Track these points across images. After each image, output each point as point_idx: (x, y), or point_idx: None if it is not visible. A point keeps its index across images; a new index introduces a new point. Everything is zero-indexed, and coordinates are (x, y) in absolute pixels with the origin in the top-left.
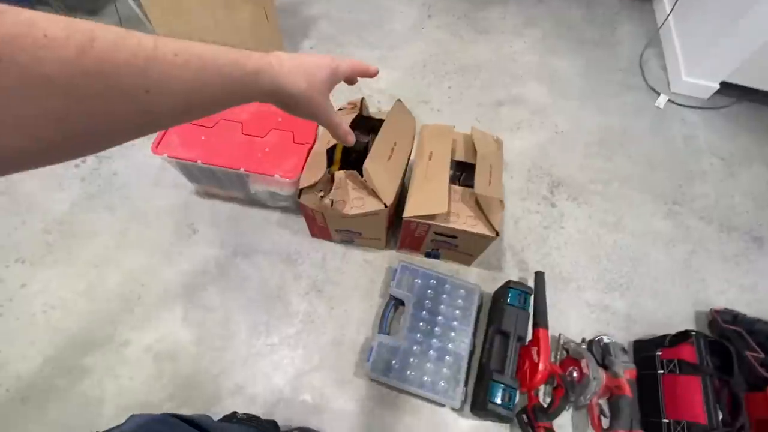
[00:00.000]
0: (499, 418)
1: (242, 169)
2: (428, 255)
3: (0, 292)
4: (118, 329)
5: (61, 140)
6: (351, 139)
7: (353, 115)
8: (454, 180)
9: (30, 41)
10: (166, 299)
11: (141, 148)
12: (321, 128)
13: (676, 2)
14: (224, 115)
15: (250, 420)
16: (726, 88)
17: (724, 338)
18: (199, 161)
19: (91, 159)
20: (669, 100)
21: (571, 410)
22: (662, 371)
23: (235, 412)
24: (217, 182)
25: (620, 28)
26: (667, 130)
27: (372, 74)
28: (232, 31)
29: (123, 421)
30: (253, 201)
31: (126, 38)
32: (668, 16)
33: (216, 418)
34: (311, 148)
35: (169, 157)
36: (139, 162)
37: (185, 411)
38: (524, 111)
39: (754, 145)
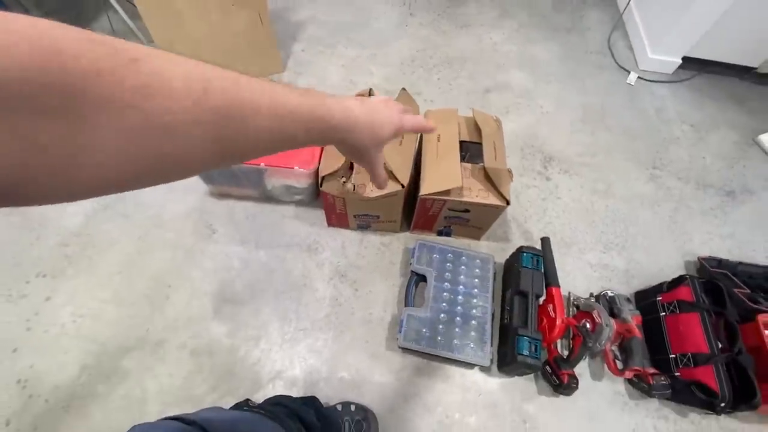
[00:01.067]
0: (528, 368)
1: (262, 164)
2: (440, 233)
3: (25, 308)
4: (151, 330)
5: (146, 175)
6: (386, 185)
7: None
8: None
9: (160, 92)
10: (195, 297)
11: None
12: None
13: None
14: None
15: (262, 407)
16: (688, 62)
17: (714, 280)
18: None
19: None
20: (638, 77)
21: (587, 359)
22: (664, 313)
23: (247, 400)
24: (234, 181)
25: (587, 15)
26: (640, 103)
27: (429, 131)
28: (227, 35)
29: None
30: (267, 198)
31: (240, 83)
32: (629, 1)
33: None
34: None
35: None
36: None
37: (229, 400)
38: (511, 96)
39: (718, 111)
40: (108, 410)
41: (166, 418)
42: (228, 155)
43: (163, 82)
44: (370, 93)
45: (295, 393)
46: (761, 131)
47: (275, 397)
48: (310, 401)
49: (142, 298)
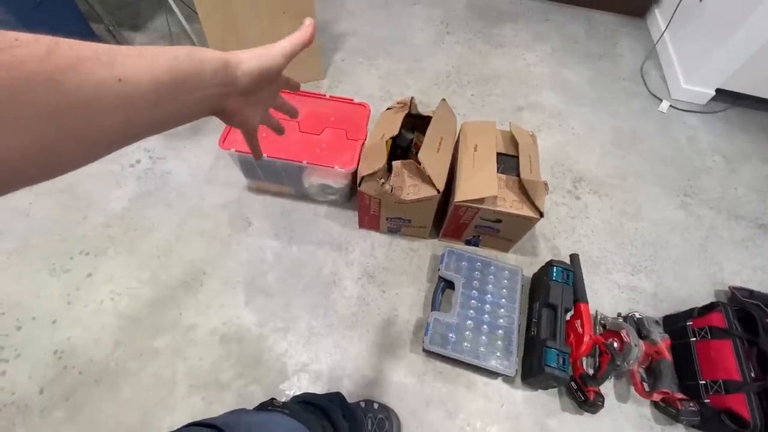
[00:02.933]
0: (555, 380)
1: (305, 162)
2: (468, 242)
3: (67, 282)
4: (184, 314)
5: (61, 139)
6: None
7: (403, 113)
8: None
9: (5, 43)
10: (228, 286)
11: (192, 149)
12: (371, 126)
13: (670, 21)
14: (282, 115)
15: (286, 406)
16: (721, 94)
17: (746, 308)
18: (265, 155)
19: (145, 160)
20: (670, 106)
21: (612, 380)
22: (695, 338)
23: (272, 399)
24: (275, 176)
25: (620, 43)
26: (671, 131)
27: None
28: (276, 41)
29: (193, 399)
30: (302, 196)
31: (82, 42)
32: (663, 32)
33: (285, 392)
34: (363, 143)
35: (236, 151)
36: (191, 163)
37: (255, 388)
38: (543, 115)
39: (750, 144)
40: (137, 387)
41: (189, 425)
42: (117, 104)
43: (10, 36)
44: (412, 100)
45: (320, 387)
46: None
47: (302, 395)
48: (336, 397)
49: (178, 282)
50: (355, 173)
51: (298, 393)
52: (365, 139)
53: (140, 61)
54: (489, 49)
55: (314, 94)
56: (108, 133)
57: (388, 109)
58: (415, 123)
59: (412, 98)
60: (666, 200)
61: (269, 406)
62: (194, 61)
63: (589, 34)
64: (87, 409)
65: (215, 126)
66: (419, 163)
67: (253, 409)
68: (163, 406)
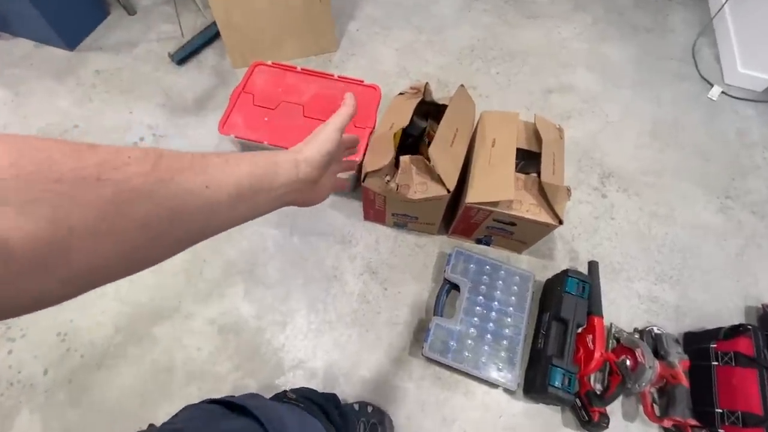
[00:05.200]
0: (559, 401)
1: None
2: (479, 241)
3: None
4: (183, 302)
5: (145, 244)
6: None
7: (416, 100)
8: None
9: (118, 162)
10: (228, 275)
11: (196, 127)
12: (384, 108)
13: None
14: (286, 97)
15: (298, 400)
16: None
17: None
18: (266, 142)
19: (148, 137)
20: (722, 92)
21: (621, 397)
22: (717, 363)
23: (285, 392)
24: None
25: (673, 15)
26: (720, 122)
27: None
28: (285, 9)
29: (190, 389)
30: None
31: (183, 153)
32: (724, 4)
33: (279, 388)
34: (371, 132)
35: (236, 137)
36: (195, 142)
37: (251, 382)
38: (574, 99)
39: None
40: (137, 372)
41: (213, 401)
42: (203, 208)
43: (123, 155)
44: (426, 86)
45: (315, 385)
46: None
47: (302, 389)
48: (331, 398)
49: (179, 269)
50: (360, 164)
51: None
52: (374, 128)
53: (226, 168)
54: (520, 20)
55: (321, 73)
56: (187, 235)
57: (401, 94)
58: (430, 110)
59: (427, 84)
60: (704, 202)
61: (284, 398)
62: (270, 164)
63: (637, 3)
64: (89, 392)
65: (220, 102)
66: (429, 159)
67: (270, 398)
68: (161, 393)
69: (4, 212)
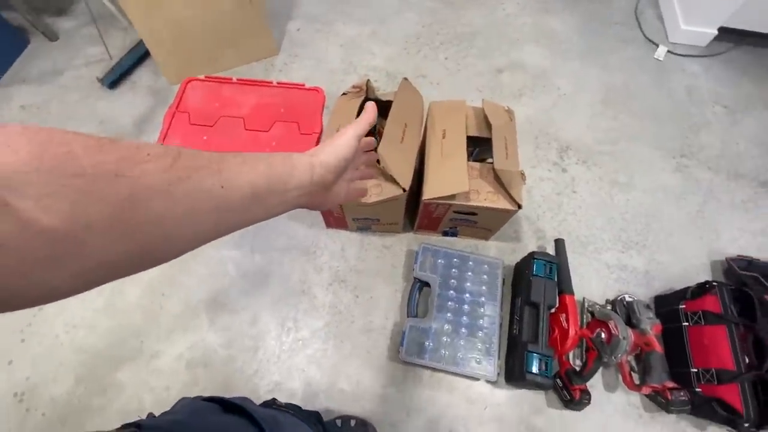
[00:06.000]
0: (538, 387)
1: None
2: (445, 234)
3: (18, 319)
4: (146, 342)
5: (158, 241)
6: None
7: (359, 100)
8: (467, 156)
9: (138, 158)
10: (190, 306)
11: None
12: (327, 116)
13: None
14: (225, 111)
15: (288, 407)
16: (724, 33)
17: (742, 284)
18: None
19: None
20: (668, 51)
21: (600, 369)
22: (687, 323)
23: (274, 399)
24: None
25: None
26: (668, 82)
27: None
28: (214, 16)
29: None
30: None
31: (201, 151)
32: None
33: None
34: (319, 138)
35: None
36: None
37: None
38: (525, 76)
39: (756, 89)
40: (105, 423)
41: (208, 399)
42: (217, 208)
43: (143, 152)
44: (368, 84)
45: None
46: None
47: (286, 404)
48: (314, 415)
49: (136, 308)
50: None
51: None
52: (321, 133)
53: (243, 168)
54: (464, 1)
55: (259, 82)
56: (199, 234)
57: (344, 94)
58: (379, 106)
59: (368, 81)
60: (661, 164)
61: (273, 405)
62: (287, 166)
63: None
64: None
65: (160, 123)
66: (379, 161)
67: (259, 405)
68: None
69: (22, 205)
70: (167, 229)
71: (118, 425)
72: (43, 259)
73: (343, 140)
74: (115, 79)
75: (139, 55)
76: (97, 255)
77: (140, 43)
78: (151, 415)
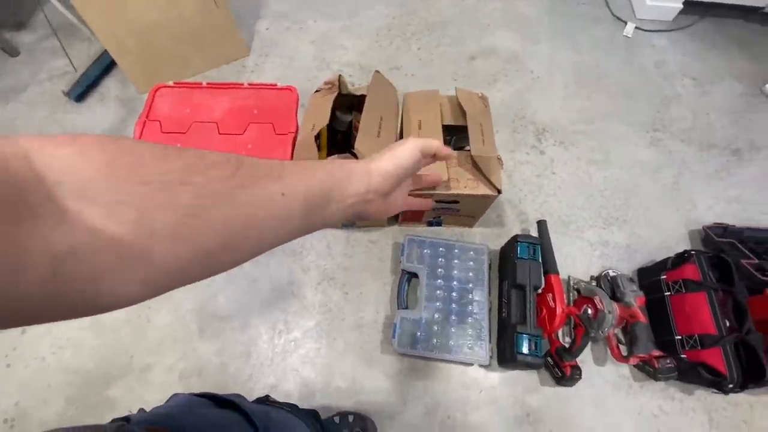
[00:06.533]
0: (529, 366)
1: None
2: (430, 224)
3: (1, 344)
4: (135, 356)
5: (220, 249)
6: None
7: (332, 96)
8: (445, 145)
9: (202, 166)
10: (177, 317)
11: None
12: (302, 115)
13: None
14: (197, 117)
15: (281, 404)
16: (689, 6)
17: (719, 251)
18: None
19: None
20: (636, 27)
21: (589, 345)
22: (669, 293)
23: (267, 396)
24: None
25: None
26: (638, 58)
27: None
28: (179, 21)
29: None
30: None
31: (262, 159)
32: None
33: None
34: (295, 137)
35: None
36: None
37: None
38: (498, 61)
39: (722, 60)
40: None
41: (199, 395)
42: (277, 215)
43: (207, 158)
44: (340, 79)
45: None
46: None
47: (281, 402)
48: (311, 413)
49: (122, 323)
50: None
51: None
52: (297, 132)
53: (302, 174)
54: None
55: (230, 84)
56: (260, 242)
57: (316, 91)
58: (353, 101)
59: (340, 76)
60: (635, 139)
61: (267, 401)
62: (344, 172)
63: None
64: None
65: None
66: (356, 156)
67: (253, 402)
68: None
69: (93, 212)
70: (229, 236)
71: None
72: (112, 265)
73: (402, 149)
74: (82, 91)
75: (104, 65)
76: (162, 262)
77: (105, 52)
78: (141, 410)
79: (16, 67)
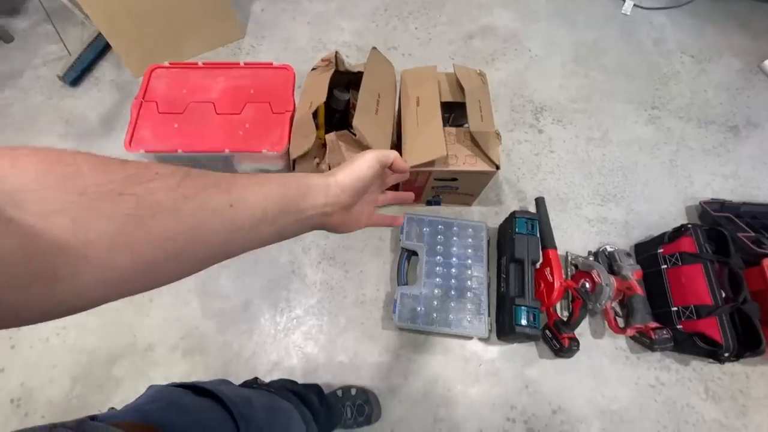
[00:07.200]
0: (527, 338)
1: (227, 151)
2: (429, 203)
3: None
4: (138, 335)
5: (162, 260)
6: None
7: (329, 73)
8: (443, 122)
9: (145, 177)
10: (179, 297)
11: (108, 149)
12: (298, 94)
13: None
14: (193, 97)
15: (270, 385)
16: None
17: (717, 225)
18: (180, 150)
19: None
20: (635, 5)
21: (587, 318)
22: (666, 266)
23: (255, 378)
24: None
25: None
26: (636, 35)
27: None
28: (174, 6)
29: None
30: None
31: (211, 172)
32: None
33: None
34: (292, 116)
35: (145, 152)
36: None
37: None
38: (496, 40)
39: (720, 37)
40: None
41: (179, 385)
42: (225, 227)
43: (150, 171)
44: (337, 56)
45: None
46: (767, 56)
47: (280, 380)
48: (313, 387)
49: (125, 303)
50: (289, 153)
51: None
52: (294, 110)
53: (254, 187)
54: None
55: (227, 64)
56: (206, 255)
57: (313, 69)
58: (350, 79)
59: (337, 53)
60: (634, 116)
61: (254, 384)
62: (301, 186)
63: None
64: None
65: (128, 117)
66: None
67: (239, 385)
68: None
69: (25, 221)
70: (172, 247)
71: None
72: (42, 274)
73: (361, 161)
74: (77, 75)
75: (99, 49)
76: (98, 271)
77: (99, 36)
78: (112, 410)
79: (10, 53)
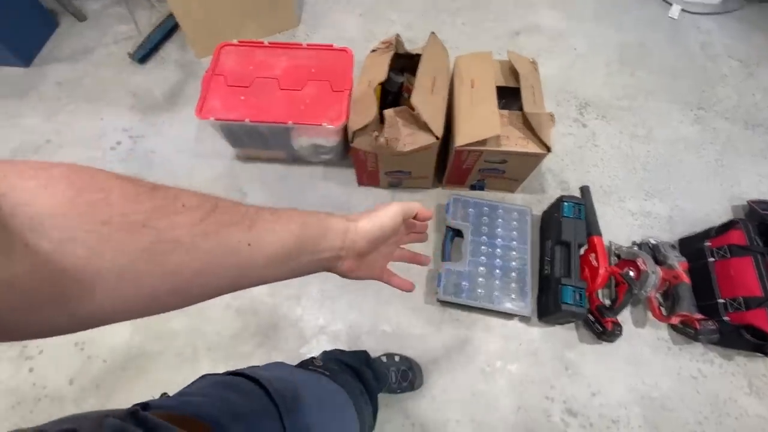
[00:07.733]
0: (573, 316)
1: (290, 122)
2: (473, 188)
3: None
4: None
5: (166, 293)
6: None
7: (390, 54)
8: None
9: (171, 209)
10: None
11: (171, 123)
12: (357, 73)
13: None
14: (259, 73)
15: (326, 367)
16: None
17: (765, 222)
18: (248, 120)
19: (125, 140)
20: (682, 10)
21: (628, 308)
22: (713, 258)
23: (312, 359)
24: (261, 141)
25: None
26: (683, 39)
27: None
28: None
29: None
30: (295, 159)
31: (239, 204)
32: None
33: (305, 356)
34: (350, 94)
35: (215, 120)
36: (174, 137)
37: (276, 355)
38: (541, 38)
39: None
40: (162, 368)
41: (230, 373)
42: (239, 265)
43: (177, 203)
44: (397, 38)
45: (339, 346)
46: None
47: (332, 351)
48: (362, 355)
49: None
50: (345, 128)
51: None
52: (352, 89)
53: (275, 226)
54: None
55: (289, 44)
56: (213, 289)
57: (373, 51)
58: (404, 64)
59: (398, 36)
60: (679, 116)
61: (310, 365)
62: (321, 227)
63: None
64: (117, 393)
65: (190, 95)
66: (413, 109)
67: (296, 366)
68: (191, 380)
69: (41, 247)
70: (181, 281)
71: (159, 393)
72: (48, 299)
73: (385, 211)
74: (145, 54)
75: (166, 30)
76: (102, 302)
77: (167, 18)
78: (165, 396)
79: (84, 30)
